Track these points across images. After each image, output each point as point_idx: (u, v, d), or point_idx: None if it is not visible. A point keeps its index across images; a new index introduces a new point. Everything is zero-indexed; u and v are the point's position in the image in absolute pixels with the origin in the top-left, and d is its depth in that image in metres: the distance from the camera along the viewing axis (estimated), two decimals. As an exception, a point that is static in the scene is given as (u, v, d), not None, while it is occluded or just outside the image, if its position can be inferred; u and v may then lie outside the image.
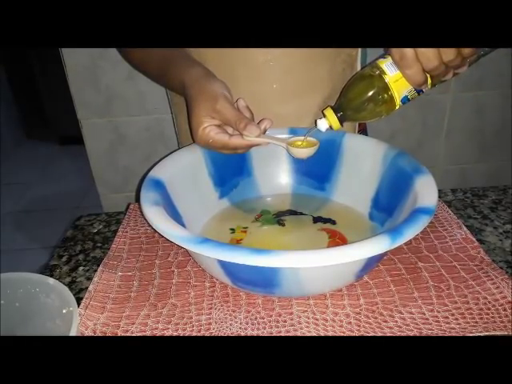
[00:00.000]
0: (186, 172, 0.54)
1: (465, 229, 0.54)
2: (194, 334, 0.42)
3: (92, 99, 0.98)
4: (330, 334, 0.41)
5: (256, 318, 0.43)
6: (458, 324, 0.42)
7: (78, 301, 0.45)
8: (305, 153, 0.55)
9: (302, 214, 0.58)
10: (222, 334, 0.42)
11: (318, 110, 0.65)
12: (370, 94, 0.50)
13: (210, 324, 0.43)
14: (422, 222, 0.41)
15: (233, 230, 0.55)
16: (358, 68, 0.68)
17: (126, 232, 0.57)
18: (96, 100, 0.98)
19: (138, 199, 0.48)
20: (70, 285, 0.50)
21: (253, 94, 0.60)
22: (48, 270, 0.53)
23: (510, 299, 0.44)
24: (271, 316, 0.44)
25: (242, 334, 0.42)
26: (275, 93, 0.63)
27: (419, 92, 0.50)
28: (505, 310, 0.43)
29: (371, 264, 0.45)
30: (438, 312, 0.43)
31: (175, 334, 0.42)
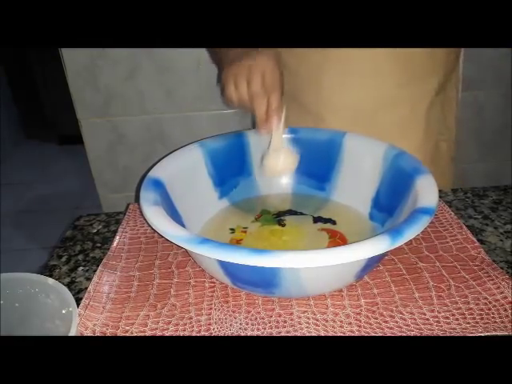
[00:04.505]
0: (185, 172, 0.54)
1: (465, 229, 0.54)
2: (194, 334, 0.42)
3: (91, 99, 0.98)
4: (331, 334, 0.41)
5: (256, 319, 0.43)
6: (459, 324, 0.41)
7: (78, 301, 0.45)
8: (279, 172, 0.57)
9: (302, 213, 0.58)
10: (222, 335, 0.42)
11: (434, 95, 0.65)
12: None
13: (209, 324, 0.43)
14: (423, 222, 0.41)
15: (233, 230, 0.55)
16: (462, 56, 0.69)
17: (126, 232, 0.57)
18: (95, 100, 0.98)
19: (137, 199, 0.47)
20: (69, 285, 0.50)
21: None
22: (47, 270, 0.53)
23: (510, 299, 0.43)
24: (271, 316, 0.44)
25: (242, 334, 0.42)
26: (391, 79, 0.63)
27: None
28: (505, 310, 0.42)
29: (371, 264, 0.45)
30: (439, 312, 0.43)
31: (175, 334, 0.42)
